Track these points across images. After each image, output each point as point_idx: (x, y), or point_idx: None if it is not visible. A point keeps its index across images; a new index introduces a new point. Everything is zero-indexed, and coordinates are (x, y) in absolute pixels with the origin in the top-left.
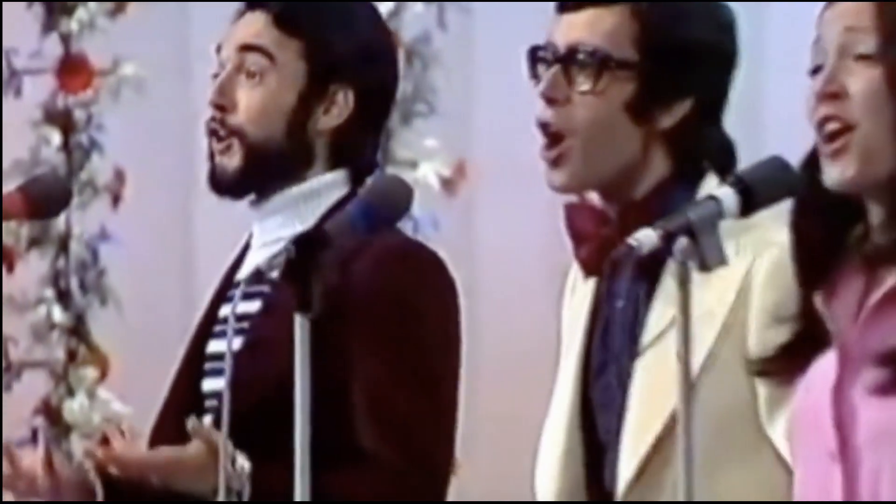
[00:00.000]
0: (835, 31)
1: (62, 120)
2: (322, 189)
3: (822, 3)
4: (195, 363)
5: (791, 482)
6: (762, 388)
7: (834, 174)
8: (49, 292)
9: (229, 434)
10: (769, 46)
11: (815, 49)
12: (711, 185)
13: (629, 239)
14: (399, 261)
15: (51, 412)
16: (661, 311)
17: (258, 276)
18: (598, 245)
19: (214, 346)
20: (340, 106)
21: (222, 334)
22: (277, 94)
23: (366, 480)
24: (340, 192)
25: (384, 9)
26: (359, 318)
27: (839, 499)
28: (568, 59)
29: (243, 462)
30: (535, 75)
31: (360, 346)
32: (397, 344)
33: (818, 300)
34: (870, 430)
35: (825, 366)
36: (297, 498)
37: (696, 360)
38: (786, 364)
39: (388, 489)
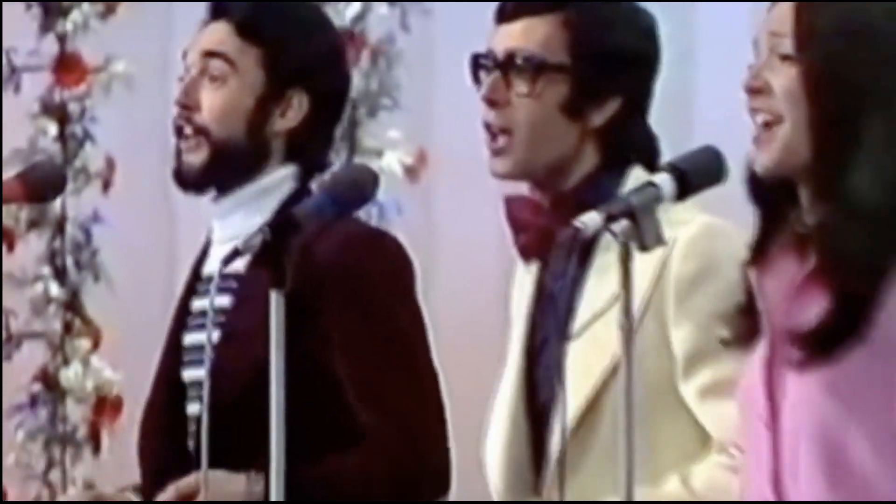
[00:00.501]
0: (764, 35)
1: (58, 113)
2: (275, 184)
3: (746, 5)
4: (174, 355)
5: (705, 435)
6: (679, 351)
7: (760, 162)
8: (46, 270)
9: (215, 424)
10: (698, 47)
11: (755, 48)
12: (637, 175)
13: (575, 221)
14: (365, 245)
15: (48, 379)
16: (594, 291)
17: (235, 255)
18: (534, 232)
19: (190, 338)
20: (296, 109)
21: (196, 327)
22: (238, 97)
23: (372, 461)
24: (290, 186)
25: (351, 11)
26: (334, 303)
27: (767, 457)
28: (506, 66)
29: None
30: (477, 80)
31: (338, 329)
32: (374, 326)
33: (752, 276)
34: (791, 398)
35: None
36: (273, 477)
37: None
38: (738, 334)
39: (391, 460)
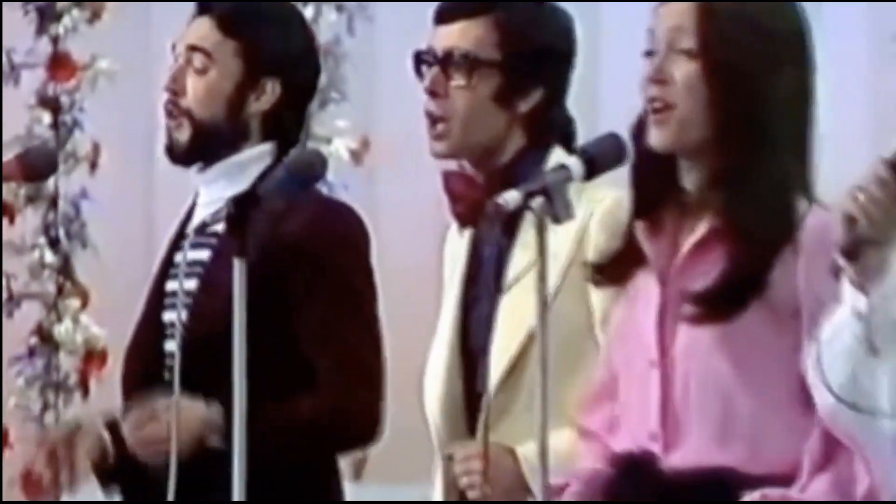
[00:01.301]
0: (664, 27)
1: (51, 104)
2: (254, 159)
3: (649, 4)
4: (157, 298)
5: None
6: (597, 304)
7: (655, 139)
8: (41, 239)
9: (188, 360)
10: (602, 43)
11: (649, 36)
12: (558, 155)
13: (497, 198)
14: (329, 216)
15: (43, 333)
16: (521, 256)
17: (203, 227)
18: (469, 203)
19: (171, 285)
20: (269, 94)
21: (177, 276)
22: (218, 84)
23: (321, 398)
24: (268, 161)
25: (305, 15)
26: (302, 266)
27: (656, 397)
28: (445, 62)
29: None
30: (419, 74)
31: (303, 289)
32: (336, 285)
33: (640, 231)
34: (682, 346)
35: (644, 286)
36: (236, 414)
37: (549, 291)
38: (612, 272)
39: (338, 403)
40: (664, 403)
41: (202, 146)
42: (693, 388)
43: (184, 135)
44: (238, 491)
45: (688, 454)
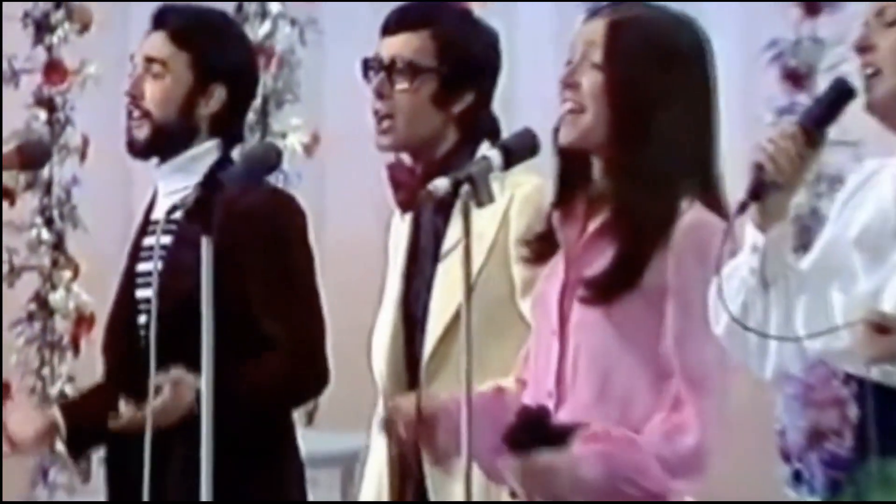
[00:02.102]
0: (581, 41)
1: (46, 104)
2: (204, 154)
3: (557, 28)
4: (129, 279)
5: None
6: (517, 278)
7: (563, 136)
8: (38, 219)
9: (159, 331)
10: (519, 52)
11: (571, 48)
12: (485, 148)
13: (429, 186)
14: (274, 202)
15: (40, 300)
16: (452, 236)
17: (173, 210)
18: (409, 191)
19: (142, 266)
20: (216, 99)
21: (145, 258)
22: (172, 89)
23: (276, 361)
24: (216, 155)
25: (263, 30)
26: (254, 246)
27: (554, 362)
28: (390, 68)
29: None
30: (367, 78)
31: (253, 265)
32: (280, 263)
33: (555, 217)
34: (576, 321)
35: (556, 265)
36: (204, 378)
37: (475, 267)
38: (535, 252)
39: (291, 365)
40: (560, 368)
41: (158, 143)
42: (581, 357)
43: (143, 133)
44: (206, 445)
45: (572, 411)
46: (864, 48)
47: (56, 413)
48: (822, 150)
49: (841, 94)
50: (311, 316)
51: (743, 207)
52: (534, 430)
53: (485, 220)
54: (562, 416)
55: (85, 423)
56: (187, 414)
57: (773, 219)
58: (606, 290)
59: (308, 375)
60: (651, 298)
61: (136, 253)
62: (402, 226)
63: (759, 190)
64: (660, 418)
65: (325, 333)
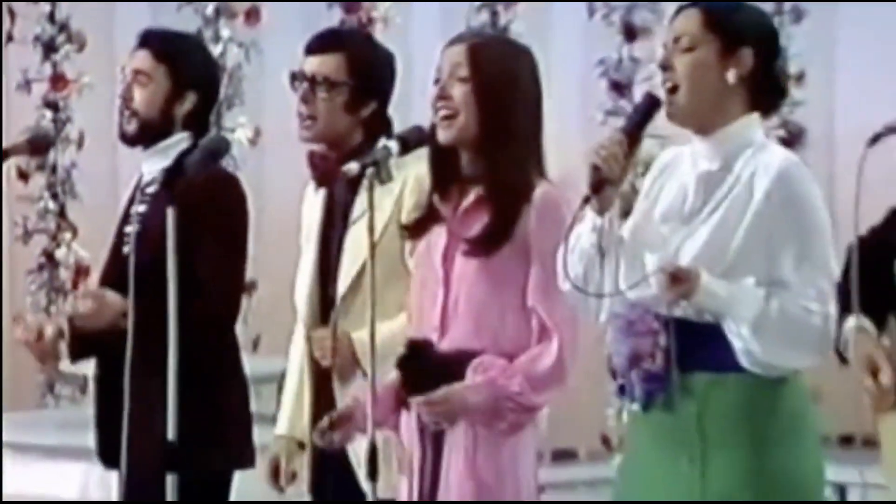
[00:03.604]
0: (448, 63)
1: (52, 106)
2: (177, 142)
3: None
4: (119, 238)
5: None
6: (407, 243)
7: (442, 137)
8: (46, 194)
9: (137, 277)
10: (414, 66)
11: (437, 69)
12: (383, 142)
13: (343, 168)
14: (222, 183)
15: (48, 255)
16: (359, 207)
17: (148, 185)
18: (324, 172)
19: (127, 228)
20: (188, 101)
21: (133, 220)
22: (154, 94)
23: (211, 300)
24: (186, 144)
25: (217, 49)
26: (204, 213)
27: (440, 304)
28: (312, 81)
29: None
30: (293, 87)
31: (203, 226)
32: (222, 226)
33: (436, 198)
34: (458, 272)
35: (438, 233)
36: (171, 312)
37: (377, 231)
38: (416, 228)
39: (220, 305)
40: (444, 308)
41: (144, 135)
42: (461, 298)
43: (132, 127)
44: (173, 364)
45: (453, 341)
46: (665, 67)
47: (63, 323)
48: (640, 147)
49: (650, 106)
50: (233, 267)
51: (587, 200)
52: (423, 358)
53: (385, 196)
54: (445, 345)
55: (82, 334)
56: (111, 322)
57: (607, 206)
58: (486, 246)
59: (221, 311)
60: (517, 252)
61: (126, 217)
62: (315, 198)
63: (598, 186)
64: (526, 355)
65: (243, 282)
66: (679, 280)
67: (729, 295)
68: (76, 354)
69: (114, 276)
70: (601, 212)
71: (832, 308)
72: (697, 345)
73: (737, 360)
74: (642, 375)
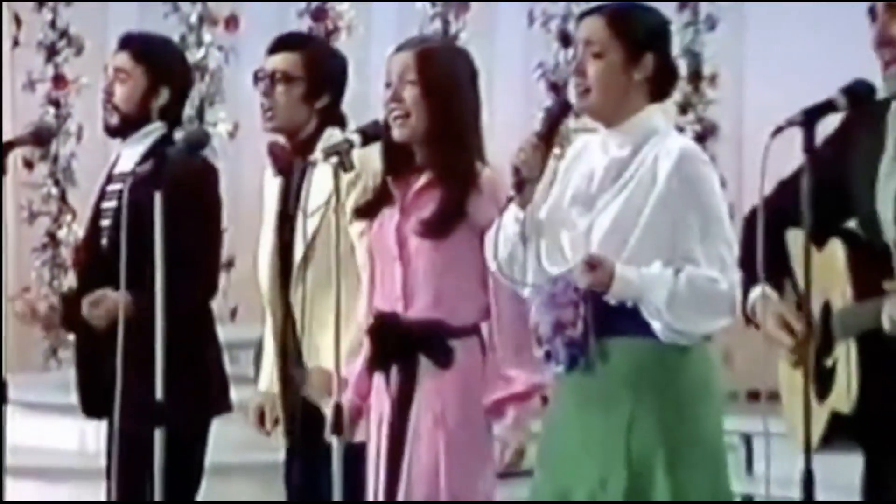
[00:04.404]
0: (397, 67)
1: (54, 103)
2: (152, 132)
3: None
4: (97, 213)
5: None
6: (353, 228)
7: (396, 134)
8: (49, 181)
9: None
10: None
11: (387, 74)
12: (334, 133)
13: (310, 157)
14: (203, 171)
15: (51, 235)
16: (315, 191)
17: (122, 174)
18: (283, 160)
19: (104, 204)
20: (163, 97)
21: (107, 198)
22: (132, 90)
23: (195, 276)
24: (159, 133)
25: (200, 54)
26: (185, 197)
27: (399, 278)
28: (272, 77)
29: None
30: (256, 84)
31: (185, 208)
32: (201, 208)
33: (390, 182)
34: (413, 249)
35: (390, 214)
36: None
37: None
38: (369, 209)
39: (202, 280)
40: (404, 283)
41: (124, 126)
42: (419, 274)
43: (113, 120)
44: (160, 331)
45: (416, 312)
46: (578, 72)
47: (57, 301)
48: (554, 147)
49: (561, 111)
50: (210, 243)
51: (510, 199)
52: (389, 327)
53: (346, 182)
54: (409, 315)
55: (74, 308)
56: (114, 317)
57: (527, 201)
58: (439, 227)
59: (198, 283)
60: (467, 230)
61: (102, 194)
62: (273, 182)
63: (519, 186)
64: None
65: (219, 258)
66: (594, 267)
67: (641, 282)
68: (69, 326)
69: (92, 245)
70: (522, 206)
71: (736, 276)
72: (613, 314)
73: (648, 326)
74: (565, 342)
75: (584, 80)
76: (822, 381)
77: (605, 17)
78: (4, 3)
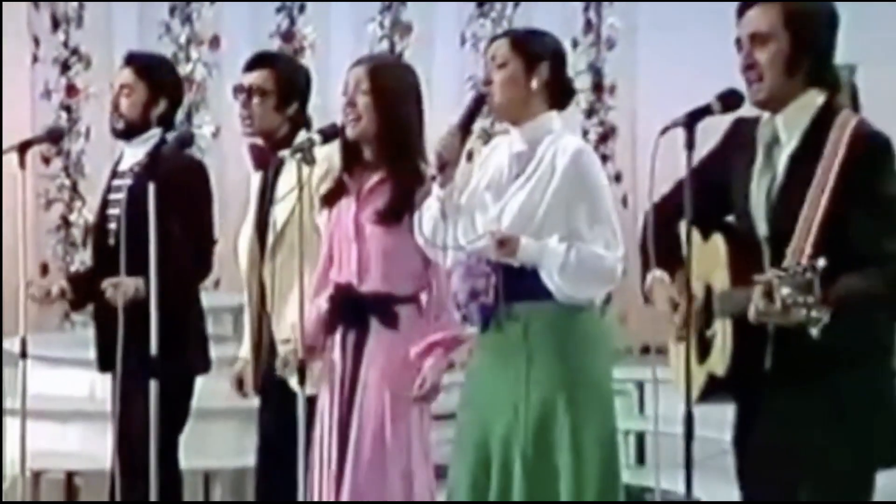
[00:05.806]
0: (353, 78)
1: (67, 109)
2: (152, 136)
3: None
4: (104, 205)
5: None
6: (317, 215)
7: (349, 133)
8: (62, 173)
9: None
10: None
11: (345, 84)
12: (303, 134)
13: (279, 153)
14: (192, 166)
15: (64, 219)
16: (283, 183)
17: (128, 170)
18: (260, 158)
19: (111, 196)
20: (161, 106)
21: (114, 191)
22: (135, 101)
23: (193, 258)
24: (158, 137)
25: (188, 68)
26: (178, 189)
27: (355, 257)
28: (249, 90)
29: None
30: (235, 96)
31: (177, 199)
32: (195, 206)
33: (346, 177)
34: (367, 234)
35: (347, 203)
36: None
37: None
38: (330, 198)
39: (199, 261)
40: (359, 261)
41: (128, 131)
42: (372, 253)
43: (119, 125)
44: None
45: (369, 284)
46: (487, 82)
47: (65, 283)
48: (471, 137)
49: (475, 105)
50: (202, 228)
51: (434, 177)
52: (346, 298)
53: (312, 175)
54: (363, 289)
55: (81, 288)
56: (129, 297)
57: (448, 181)
58: (390, 216)
59: (203, 266)
60: (413, 219)
61: (108, 189)
62: (255, 177)
63: (441, 167)
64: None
65: (212, 241)
66: (503, 244)
67: (540, 252)
68: (76, 305)
69: (100, 231)
70: (443, 185)
71: (619, 252)
72: (519, 282)
73: (549, 293)
74: (479, 307)
75: (490, 87)
76: (703, 348)
77: (509, 38)
78: (27, 26)
